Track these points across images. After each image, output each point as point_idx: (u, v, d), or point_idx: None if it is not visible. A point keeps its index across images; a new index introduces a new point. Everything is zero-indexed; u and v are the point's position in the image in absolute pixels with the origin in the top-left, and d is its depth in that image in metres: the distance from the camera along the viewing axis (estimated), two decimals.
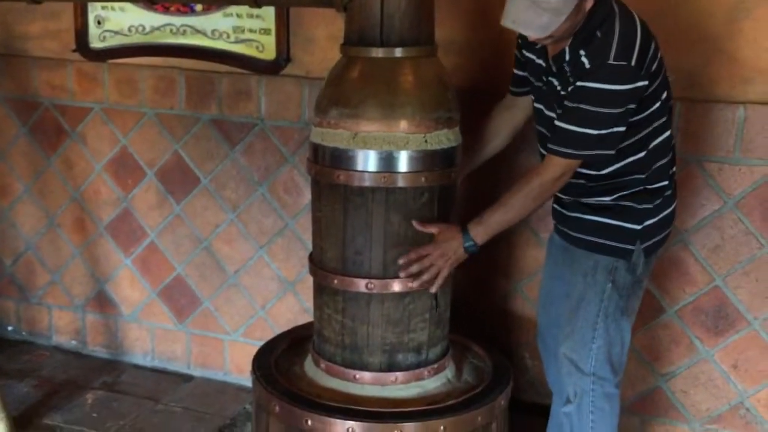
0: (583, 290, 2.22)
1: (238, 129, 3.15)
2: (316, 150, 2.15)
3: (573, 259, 2.27)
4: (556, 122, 2.05)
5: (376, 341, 2.16)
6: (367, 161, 2.06)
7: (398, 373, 2.17)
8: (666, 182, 2.21)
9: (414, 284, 2.10)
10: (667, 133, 2.20)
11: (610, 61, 1.96)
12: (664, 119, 2.17)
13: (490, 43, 2.76)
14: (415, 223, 2.10)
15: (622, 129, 2.03)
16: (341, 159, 2.08)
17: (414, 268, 2.11)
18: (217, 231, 3.28)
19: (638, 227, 2.18)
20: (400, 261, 2.11)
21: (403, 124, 2.03)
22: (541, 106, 2.23)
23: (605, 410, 2.29)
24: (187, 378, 3.43)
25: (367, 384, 2.18)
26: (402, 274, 2.11)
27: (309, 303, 3.15)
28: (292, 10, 2.97)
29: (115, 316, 3.53)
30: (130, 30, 3.21)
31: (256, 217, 3.21)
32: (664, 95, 2.15)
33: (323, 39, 2.96)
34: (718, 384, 2.72)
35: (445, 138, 2.09)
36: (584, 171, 2.16)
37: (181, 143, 3.24)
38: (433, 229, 2.12)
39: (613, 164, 2.15)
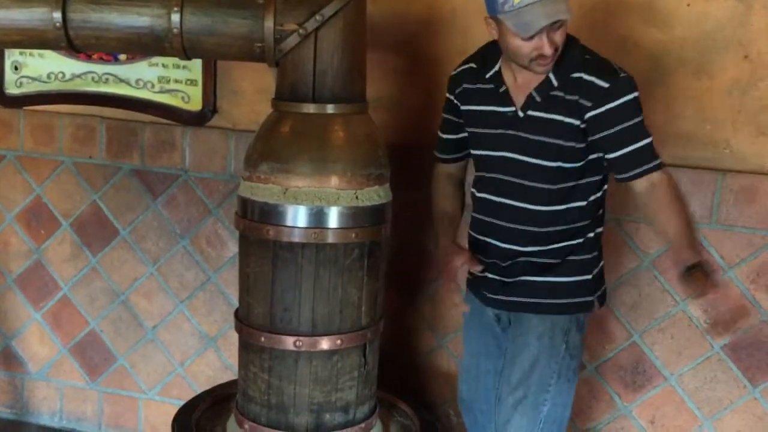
0: (538, 354, 2.20)
1: (160, 180, 3.08)
2: (245, 204, 2.12)
3: (522, 324, 2.24)
4: (628, 148, 2.08)
5: (303, 401, 2.11)
6: (298, 216, 2.05)
7: None
8: (601, 229, 2.27)
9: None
10: (606, 184, 2.28)
11: (621, 75, 2.07)
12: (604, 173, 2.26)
13: (417, 100, 2.81)
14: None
15: None
16: (271, 214, 2.05)
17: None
18: (136, 284, 3.17)
19: (589, 277, 2.22)
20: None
21: (335, 180, 2.03)
22: (507, 153, 2.18)
23: None
24: None
25: None
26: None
27: (231, 360, 3.08)
28: (220, 63, 2.95)
29: (22, 374, 3.35)
30: (49, 77, 3.12)
31: (178, 271, 3.12)
32: None
33: (251, 91, 2.95)
34: None
35: (375, 194, 2.10)
36: (543, 208, 2.17)
37: (100, 193, 3.15)
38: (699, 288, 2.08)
39: (575, 201, 2.18)
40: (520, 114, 2.14)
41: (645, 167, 2.08)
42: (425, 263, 2.87)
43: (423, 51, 2.79)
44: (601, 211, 2.27)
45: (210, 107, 2.99)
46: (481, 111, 2.22)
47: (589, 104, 2.06)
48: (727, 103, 2.54)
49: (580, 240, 2.21)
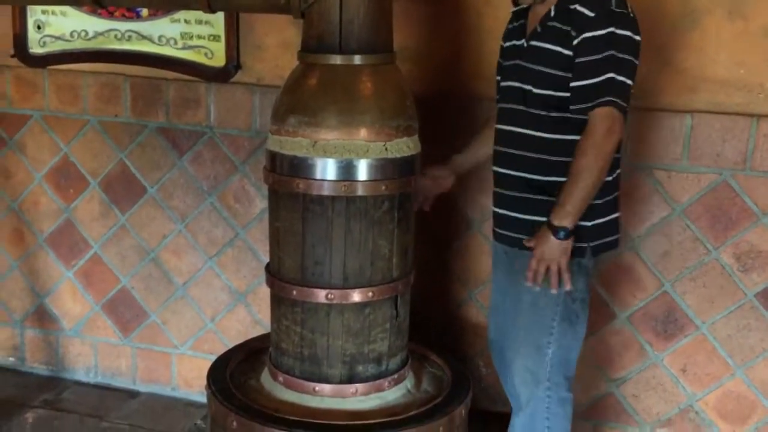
0: (536, 295, 2.19)
1: (186, 137, 3.08)
2: (274, 158, 2.11)
3: (521, 264, 2.22)
4: (587, 81, 2.00)
5: (336, 352, 2.12)
6: (327, 169, 2.03)
7: (358, 385, 2.14)
8: (612, 179, 2.16)
9: (553, 291, 2.10)
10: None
11: (614, 8, 1.97)
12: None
13: (444, 50, 2.76)
14: (525, 242, 2.12)
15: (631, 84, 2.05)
16: (300, 167, 2.04)
17: (538, 277, 2.10)
18: (165, 242, 3.19)
19: (588, 224, 2.14)
20: (528, 280, 2.12)
21: (363, 132, 2.01)
22: (513, 83, 2.19)
23: (559, 415, 2.30)
24: (133, 394, 3.32)
25: (326, 396, 2.14)
26: (530, 284, 2.11)
27: (261, 314, 3.11)
28: (242, 17, 2.92)
29: (56, 331, 3.40)
30: (72, 35, 3.10)
31: (206, 228, 3.13)
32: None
33: (274, 46, 2.92)
34: (668, 388, 2.77)
35: (405, 146, 2.08)
36: (545, 135, 2.13)
37: (127, 152, 3.15)
38: (531, 244, 2.10)
39: (575, 133, 2.07)
40: (525, 44, 2.16)
41: (591, 103, 2.00)
42: (453, 216, 2.85)
43: None
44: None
45: (234, 63, 2.96)
46: (506, 46, 2.28)
47: (574, 33, 2.02)
48: (762, 46, 2.48)
49: None
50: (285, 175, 2.08)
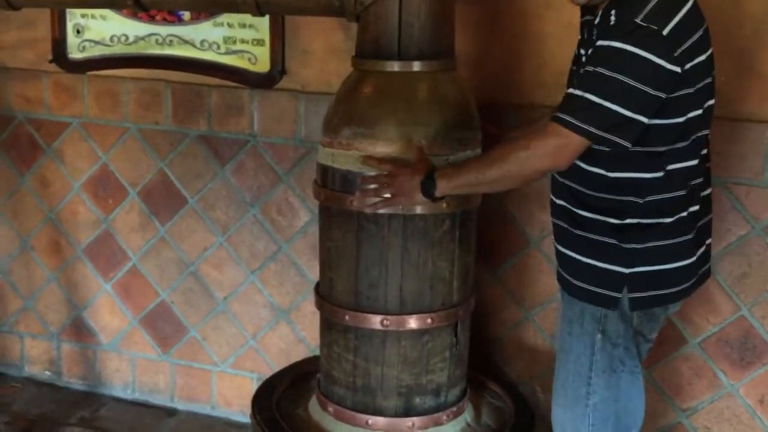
0: (570, 341, 1.97)
1: (228, 146, 2.95)
2: (325, 172, 1.97)
3: (563, 304, 2.03)
4: (569, 89, 1.75)
5: (391, 383, 1.97)
6: None
7: (415, 419, 1.98)
8: (669, 220, 1.86)
9: (368, 208, 1.88)
10: (692, 163, 1.87)
11: (638, 20, 1.65)
12: (687, 143, 1.83)
13: (502, 55, 2.59)
14: (366, 159, 1.88)
15: (644, 121, 1.69)
16: (354, 183, 1.89)
17: (369, 187, 1.88)
18: (205, 255, 3.06)
19: (625, 271, 1.87)
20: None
21: (425, 145, 1.85)
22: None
23: None
24: (171, 412, 3.21)
25: (380, 430, 1.98)
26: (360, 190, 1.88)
27: (304, 332, 2.97)
28: (288, 20, 2.78)
29: (93, 345, 3.30)
30: (112, 40, 3.00)
31: (248, 241, 3.00)
32: (700, 111, 1.83)
33: (320, 51, 2.78)
34: (744, 420, 2.56)
35: None
36: (585, 167, 1.87)
37: (167, 161, 3.03)
38: (386, 167, 1.87)
39: (618, 171, 1.83)
40: (577, 52, 1.93)
41: (563, 116, 1.70)
42: (509, 232, 2.68)
43: (507, 1, 2.57)
44: (658, 198, 1.86)
45: (278, 68, 2.82)
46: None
47: (596, 41, 1.75)
48: None
49: (620, 221, 1.87)
50: (338, 191, 1.93)
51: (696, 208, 1.94)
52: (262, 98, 2.87)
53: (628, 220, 1.86)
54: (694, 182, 1.92)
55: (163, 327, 3.19)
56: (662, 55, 1.65)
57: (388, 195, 1.86)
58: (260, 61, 2.85)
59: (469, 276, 2.03)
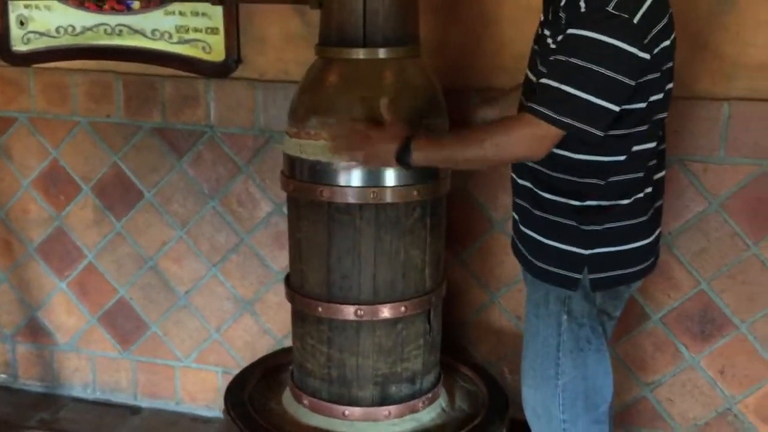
0: (537, 323, 1.99)
1: (184, 137, 2.88)
2: (293, 163, 1.94)
3: (527, 285, 2.05)
4: (541, 80, 1.72)
5: (366, 373, 1.96)
6: (353, 175, 1.86)
7: (391, 407, 1.98)
8: (626, 202, 1.88)
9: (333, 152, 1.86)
10: (651, 145, 1.89)
11: (609, 8, 1.64)
12: (647, 127, 1.85)
13: (461, 40, 2.59)
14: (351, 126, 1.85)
15: (615, 109, 1.70)
16: (323, 173, 1.87)
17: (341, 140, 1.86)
18: (164, 249, 3.00)
19: (585, 252, 1.88)
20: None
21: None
22: (527, 72, 1.95)
23: None
24: (135, 410, 3.14)
25: (357, 420, 1.98)
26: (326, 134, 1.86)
27: (269, 324, 2.94)
28: (242, 8, 2.72)
29: (50, 345, 3.21)
30: (58, 31, 2.89)
31: (208, 233, 2.95)
32: (661, 95, 1.84)
33: (277, 38, 2.73)
34: (705, 391, 2.63)
35: None
36: (551, 152, 1.83)
37: (121, 154, 2.95)
38: (361, 128, 1.85)
39: (583, 153, 1.84)
40: (539, 31, 1.93)
41: (536, 106, 1.71)
42: (473, 215, 2.69)
43: None
44: (619, 179, 1.87)
45: (234, 57, 2.76)
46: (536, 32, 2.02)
47: (563, 27, 1.74)
48: None
49: (580, 202, 1.88)
50: (306, 182, 1.91)
51: (650, 189, 1.97)
52: (218, 88, 2.81)
53: (588, 202, 1.88)
54: (650, 164, 1.94)
55: (122, 324, 3.12)
56: (634, 43, 1.66)
57: (362, 155, 1.84)
58: (215, 50, 2.78)
59: (440, 262, 2.03)
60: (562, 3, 1.80)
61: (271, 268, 2.91)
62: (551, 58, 1.74)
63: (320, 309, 1.94)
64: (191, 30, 2.80)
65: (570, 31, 1.69)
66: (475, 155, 1.77)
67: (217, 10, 2.73)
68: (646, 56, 1.70)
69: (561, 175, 1.89)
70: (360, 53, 1.86)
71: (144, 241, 3.02)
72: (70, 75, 2.93)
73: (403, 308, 1.92)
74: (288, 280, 2.08)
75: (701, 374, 2.62)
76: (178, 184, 2.93)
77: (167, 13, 2.80)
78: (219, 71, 2.79)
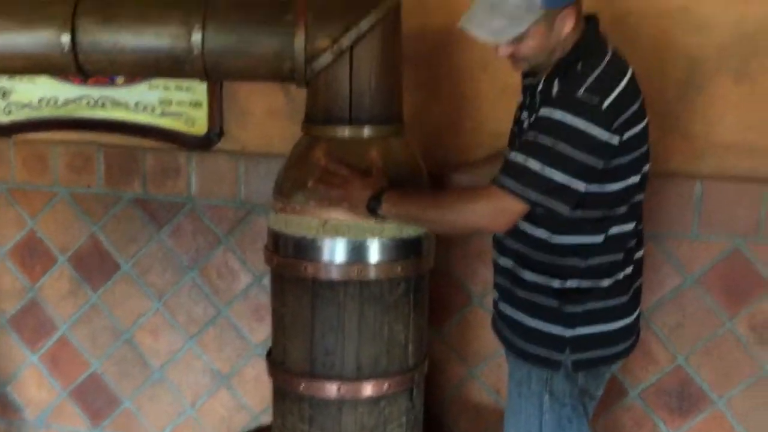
0: (519, 402, 2.00)
1: (165, 209, 2.88)
2: (277, 238, 1.95)
3: (509, 363, 2.07)
4: (510, 155, 1.78)
5: None
6: (337, 251, 1.88)
7: None
8: (606, 283, 1.91)
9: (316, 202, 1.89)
10: (630, 226, 1.94)
11: (578, 95, 1.73)
12: (625, 209, 1.91)
13: (439, 118, 2.64)
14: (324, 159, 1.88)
15: (581, 188, 1.76)
16: (308, 249, 1.88)
17: (323, 181, 1.88)
18: (140, 321, 2.97)
19: (566, 333, 1.91)
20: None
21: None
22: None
23: None
24: None
25: None
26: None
27: (246, 398, 2.89)
28: (226, 83, 2.77)
29: (18, 421, 3.13)
30: (40, 103, 2.91)
31: (186, 305, 2.93)
32: (638, 178, 1.90)
33: (260, 112, 2.78)
34: None
35: None
36: (531, 233, 1.92)
37: (100, 225, 2.94)
38: (344, 171, 1.87)
39: (560, 234, 1.89)
40: (517, 113, 2.02)
41: (503, 179, 1.75)
42: (452, 289, 2.71)
43: (444, 64, 2.63)
44: (598, 261, 1.91)
45: (216, 130, 2.80)
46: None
47: (538, 110, 1.82)
48: None
49: (561, 283, 1.91)
50: (290, 257, 1.91)
51: (630, 269, 2.01)
52: (200, 160, 2.83)
53: (569, 283, 1.91)
54: (629, 245, 1.99)
55: (94, 399, 3.05)
56: (601, 127, 1.72)
57: (336, 194, 1.87)
58: (198, 123, 2.82)
59: (423, 339, 2.03)
60: (539, 88, 1.87)
61: (249, 341, 2.88)
62: (526, 135, 1.80)
63: (302, 386, 1.92)
64: (175, 103, 2.83)
65: (541, 111, 1.76)
66: (441, 218, 1.82)
67: (201, 84, 2.78)
68: (615, 140, 1.77)
69: (541, 255, 1.93)
70: (346, 131, 1.90)
71: (120, 313, 2.98)
72: (52, 146, 2.94)
73: (386, 385, 1.91)
74: (270, 356, 2.06)
75: None
76: (156, 255, 2.91)
77: (151, 87, 2.84)
78: (201, 144, 2.82)
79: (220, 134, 2.80)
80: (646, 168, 1.96)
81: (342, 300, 1.88)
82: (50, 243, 2.99)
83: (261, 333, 2.85)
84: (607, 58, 1.81)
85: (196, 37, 1.84)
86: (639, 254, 2.04)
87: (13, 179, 2.97)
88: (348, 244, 1.86)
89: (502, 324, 2.05)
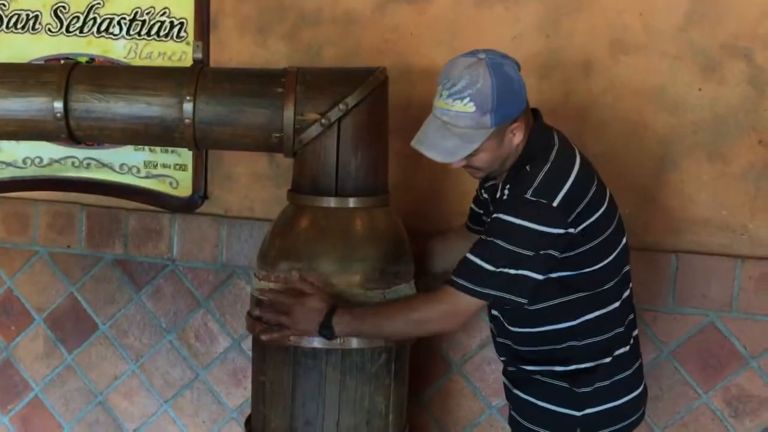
0: None
1: (145, 270, 2.88)
2: (260, 305, 1.94)
3: None
4: (467, 254, 1.82)
5: None
6: None
7: None
8: (608, 360, 1.95)
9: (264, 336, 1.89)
10: (614, 306, 1.97)
11: (527, 195, 1.77)
12: (609, 286, 1.95)
13: (423, 185, 2.69)
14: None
15: (538, 277, 1.79)
16: None
17: (268, 313, 1.90)
18: (116, 384, 2.93)
19: (577, 414, 1.93)
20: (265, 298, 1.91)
21: (362, 280, 1.89)
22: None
23: None
24: None
25: None
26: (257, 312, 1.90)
27: None
28: None
29: None
30: (24, 162, 2.92)
31: (162, 368, 2.90)
32: (610, 259, 1.93)
33: (244, 176, 2.81)
34: None
35: (403, 293, 1.96)
36: (511, 328, 1.97)
37: (78, 285, 2.93)
38: (306, 288, 1.89)
39: (538, 325, 1.94)
40: (489, 207, 2.05)
41: (457, 279, 1.81)
42: (432, 356, 2.71)
43: None
44: (595, 339, 1.96)
45: (200, 193, 2.82)
46: (482, 196, 2.17)
47: (492, 210, 1.90)
48: (743, 188, 2.49)
49: (565, 367, 1.95)
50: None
51: (632, 342, 2.05)
52: (183, 222, 2.85)
53: (573, 366, 1.94)
54: (628, 319, 2.03)
55: None
56: (548, 222, 1.77)
57: (286, 321, 1.89)
58: (182, 185, 2.84)
59: (403, 409, 2.03)
60: (498, 194, 1.93)
61: (225, 406, 2.86)
62: (480, 237, 1.84)
63: None
64: (159, 165, 2.86)
65: (494, 215, 1.82)
66: (393, 331, 1.87)
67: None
68: (572, 231, 1.82)
69: (537, 348, 1.97)
70: (331, 202, 1.93)
71: (95, 375, 2.94)
72: (34, 205, 2.94)
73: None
74: (248, 424, 2.05)
75: None
76: (135, 316, 2.90)
77: (137, 149, 2.86)
78: (185, 206, 2.84)
79: (204, 197, 2.83)
80: (624, 242, 2.00)
81: (324, 369, 1.88)
82: (27, 302, 2.96)
83: (238, 397, 2.83)
84: (553, 155, 1.85)
85: (188, 107, 1.88)
86: (635, 333, 2.09)
87: None
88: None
89: (513, 411, 2.05)
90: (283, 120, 1.89)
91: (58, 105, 1.84)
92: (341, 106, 1.88)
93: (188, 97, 1.88)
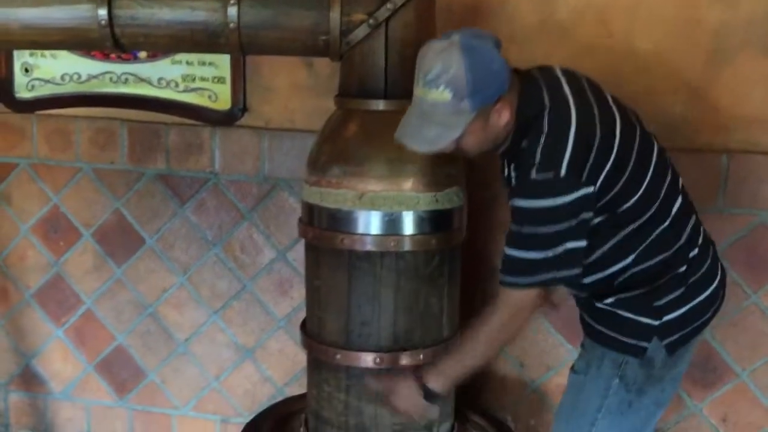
0: (583, 381, 1.98)
1: (188, 184, 2.89)
2: (312, 211, 1.96)
3: (583, 347, 2.06)
4: (504, 249, 1.80)
5: (385, 421, 1.96)
6: (372, 223, 1.89)
7: None
8: (682, 269, 1.93)
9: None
10: (663, 226, 1.92)
11: (532, 177, 1.71)
12: (653, 210, 1.90)
13: None
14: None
15: (581, 244, 1.76)
16: (344, 221, 1.89)
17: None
18: (165, 296, 2.99)
19: (656, 323, 1.91)
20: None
21: (414, 183, 1.88)
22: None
23: None
24: None
25: None
26: None
27: (270, 371, 2.92)
28: (249, 58, 2.77)
29: (44, 394, 3.15)
30: (63, 78, 2.91)
31: (209, 280, 2.94)
32: (641, 190, 1.87)
33: (284, 88, 2.78)
34: None
35: (455, 196, 1.95)
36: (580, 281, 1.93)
37: (123, 200, 2.95)
38: (385, 386, 1.92)
39: (604, 270, 1.91)
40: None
41: (506, 277, 1.80)
42: (476, 260, 2.72)
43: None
44: (657, 260, 1.93)
45: (239, 106, 2.80)
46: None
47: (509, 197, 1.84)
48: None
49: (640, 290, 1.93)
50: (326, 230, 1.92)
51: (700, 244, 2.00)
52: (224, 135, 2.84)
53: (648, 287, 1.91)
54: (689, 224, 1.99)
55: (119, 372, 3.08)
56: (564, 192, 1.71)
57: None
58: (221, 98, 2.82)
59: (456, 310, 2.05)
60: (506, 173, 1.88)
61: (273, 315, 2.91)
62: (508, 230, 1.79)
63: (338, 356, 1.94)
64: (198, 79, 2.83)
65: (511, 202, 1.77)
66: (481, 358, 1.86)
67: (225, 60, 2.77)
68: (590, 189, 1.74)
69: (611, 287, 1.94)
70: (380, 105, 1.90)
71: (144, 288, 3.00)
72: (75, 122, 2.94)
73: (421, 356, 1.93)
74: (304, 327, 2.08)
75: (704, 421, 2.65)
76: (180, 230, 2.93)
77: (174, 62, 2.83)
78: (224, 119, 2.82)
79: (244, 110, 2.81)
80: (652, 165, 1.91)
81: (378, 272, 1.89)
82: (74, 218, 3.00)
83: (285, 307, 2.88)
84: (546, 121, 1.75)
85: (232, 10, 1.84)
86: (702, 228, 2.06)
87: (36, 154, 2.98)
88: (384, 216, 1.87)
89: (588, 317, 2.02)
90: (329, 21, 1.85)
91: (102, 12, 1.81)
92: (389, 5, 1.83)
93: (232, 1, 1.84)
